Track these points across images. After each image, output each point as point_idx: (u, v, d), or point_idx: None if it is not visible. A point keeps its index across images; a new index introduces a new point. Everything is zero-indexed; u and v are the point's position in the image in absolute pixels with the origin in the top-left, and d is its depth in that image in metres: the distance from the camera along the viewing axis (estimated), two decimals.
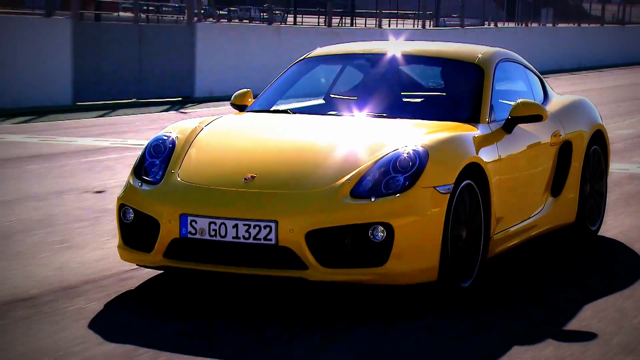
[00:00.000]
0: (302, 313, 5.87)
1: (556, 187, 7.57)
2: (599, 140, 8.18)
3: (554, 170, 7.54)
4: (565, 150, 7.66)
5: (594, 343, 5.44)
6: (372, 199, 5.86)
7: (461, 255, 6.20)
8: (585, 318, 5.89)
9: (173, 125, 6.75)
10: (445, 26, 35.18)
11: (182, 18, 26.22)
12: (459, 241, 6.17)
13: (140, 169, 6.37)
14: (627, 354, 5.28)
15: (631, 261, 7.41)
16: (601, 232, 8.21)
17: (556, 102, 7.96)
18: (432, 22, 32.16)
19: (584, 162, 7.86)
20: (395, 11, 47.93)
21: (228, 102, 7.90)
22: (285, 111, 7.21)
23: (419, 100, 7.24)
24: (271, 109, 7.30)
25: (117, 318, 5.78)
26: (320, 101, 7.65)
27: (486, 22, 35.50)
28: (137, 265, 6.36)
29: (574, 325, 5.77)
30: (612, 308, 6.11)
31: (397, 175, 5.95)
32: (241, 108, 7.46)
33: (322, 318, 5.78)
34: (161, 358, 5.07)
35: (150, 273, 6.58)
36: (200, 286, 6.36)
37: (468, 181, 6.21)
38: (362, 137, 6.39)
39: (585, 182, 7.92)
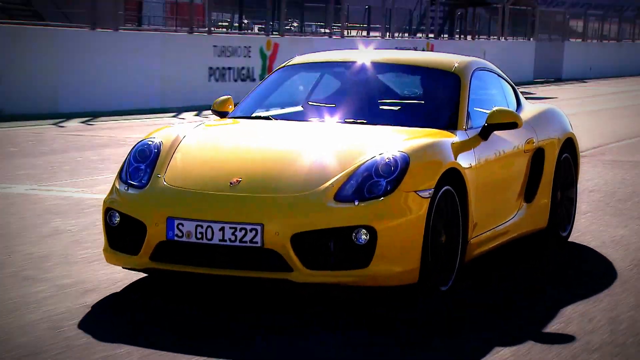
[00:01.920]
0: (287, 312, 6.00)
1: (529, 193, 7.75)
2: (569, 148, 8.38)
3: (527, 176, 7.73)
4: (537, 157, 7.84)
5: (574, 345, 5.61)
6: (356, 203, 6.00)
7: (441, 258, 6.36)
8: (562, 321, 6.07)
9: (156, 131, 6.85)
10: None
11: None
12: (439, 244, 6.33)
13: (125, 174, 6.47)
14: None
15: (601, 265, 7.60)
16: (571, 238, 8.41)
17: (529, 110, 8.15)
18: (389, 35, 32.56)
19: (555, 169, 8.05)
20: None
21: None
22: (267, 117, 7.35)
23: (397, 107, 7.40)
24: (252, 116, 7.43)
25: (106, 319, 5.87)
26: (299, 108, 7.79)
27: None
28: (123, 267, 6.45)
29: (553, 327, 5.95)
30: (590, 310, 6.30)
31: (379, 180, 6.10)
32: (222, 115, 7.58)
33: (306, 316, 5.91)
34: (150, 357, 5.18)
35: (136, 276, 6.67)
36: (184, 288, 6.47)
37: (447, 186, 6.37)
38: (345, 143, 6.54)
39: (557, 188, 8.11)
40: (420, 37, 35.28)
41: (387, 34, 32.54)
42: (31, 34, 18.78)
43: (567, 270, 7.52)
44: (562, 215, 8.25)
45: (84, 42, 19.56)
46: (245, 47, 23.48)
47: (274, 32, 26.61)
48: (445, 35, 37.22)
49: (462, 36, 38.50)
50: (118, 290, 6.43)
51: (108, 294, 6.32)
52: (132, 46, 20.55)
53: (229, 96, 7.64)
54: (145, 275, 6.60)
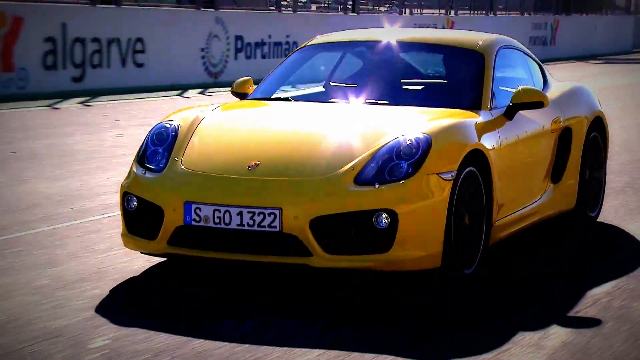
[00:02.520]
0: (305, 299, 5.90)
1: (556, 173, 7.60)
2: (598, 126, 8.20)
3: (554, 156, 7.57)
4: (565, 136, 7.68)
5: (597, 330, 5.48)
6: (376, 186, 5.88)
7: (464, 242, 6.23)
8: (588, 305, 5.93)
9: (174, 114, 6.75)
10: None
11: None
12: (462, 228, 6.20)
13: (143, 157, 6.38)
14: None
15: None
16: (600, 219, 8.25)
17: (556, 88, 7.98)
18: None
19: (584, 149, 7.88)
20: None
21: None
22: (286, 99, 7.22)
23: (420, 87, 7.25)
24: (272, 97, 7.31)
25: (123, 303, 5.80)
26: (320, 89, 7.67)
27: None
28: (140, 252, 6.37)
29: (577, 311, 5.81)
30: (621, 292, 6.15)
31: (400, 162, 5.97)
32: (242, 96, 7.47)
33: (323, 304, 5.81)
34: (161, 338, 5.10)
35: (153, 260, 6.59)
36: (202, 272, 6.38)
37: (471, 168, 6.23)
38: (365, 125, 6.41)
39: (585, 169, 7.95)
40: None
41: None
42: None
43: (595, 251, 7.37)
44: (590, 195, 8.09)
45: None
46: None
47: None
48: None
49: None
50: (137, 274, 6.36)
51: (128, 277, 6.25)
52: None
53: (249, 77, 7.53)
54: (163, 259, 6.51)
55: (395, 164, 5.97)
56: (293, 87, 7.61)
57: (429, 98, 7.03)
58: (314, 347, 5.06)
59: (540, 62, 8.13)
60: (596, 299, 6.01)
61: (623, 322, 5.58)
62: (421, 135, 6.08)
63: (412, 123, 6.31)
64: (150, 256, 6.38)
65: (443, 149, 6.09)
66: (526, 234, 7.38)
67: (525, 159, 7.10)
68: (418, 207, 5.89)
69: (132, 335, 5.20)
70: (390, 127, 6.28)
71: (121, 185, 6.35)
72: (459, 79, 7.27)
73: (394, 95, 7.09)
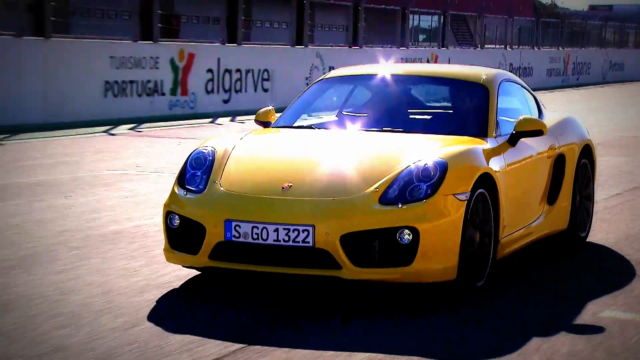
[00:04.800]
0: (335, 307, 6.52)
1: (552, 196, 8.28)
2: (587, 154, 8.91)
3: (550, 180, 8.25)
4: (559, 162, 8.37)
5: (605, 335, 6.14)
6: (399, 205, 6.52)
7: (476, 256, 6.88)
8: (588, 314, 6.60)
9: (208, 140, 7.37)
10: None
11: None
12: (474, 244, 6.85)
13: (183, 180, 6.99)
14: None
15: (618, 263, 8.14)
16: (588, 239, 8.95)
17: (550, 118, 8.67)
18: None
19: (575, 174, 8.57)
20: None
21: None
22: (309, 127, 7.88)
23: (431, 117, 7.93)
24: (294, 125, 7.96)
25: (170, 311, 6.40)
26: (334, 118, 8.32)
27: None
28: (182, 266, 6.97)
29: (583, 319, 6.47)
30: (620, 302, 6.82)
31: (420, 184, 6.62)
32: (265, 124, 8.11)
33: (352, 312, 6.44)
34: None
35: (190, 273, 7.19)
36: (237, 284, 6.99)
37: (481, 190, 6.89)
38: (385, 150, 7.07)
39: (576, 192, 8.64)
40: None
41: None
42: None
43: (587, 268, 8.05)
44: (581, 217, 8.77)
45: None
46: None
47: None
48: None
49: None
50: (177, 287, 6.95)
51: (168, 290, 6.84)
52: None
53: (272, 107, 8.17)
54: (198, 273, 7.12)
55: (415, 186, 6.62)
56: (309, 115, 8.26)
57: (440, 126, 7.71)
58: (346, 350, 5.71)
59: (535, 95, 8.83)
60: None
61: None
62: (439, 160, 6.74)
63: (428, 149, 6.97)
64: (189, 269, 6.98)
65: (458, 172, 6.75)
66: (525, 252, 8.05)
67: (526, 181, 7.79)
68: (437, 224, 6.54)
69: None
70: (408, 152, 6.93)
71: (164, 205, 6.96)
72: (466, 109, 7.95)
73: (408, 124, 7.77)
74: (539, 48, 42.69)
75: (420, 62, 31.64)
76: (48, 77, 18.81)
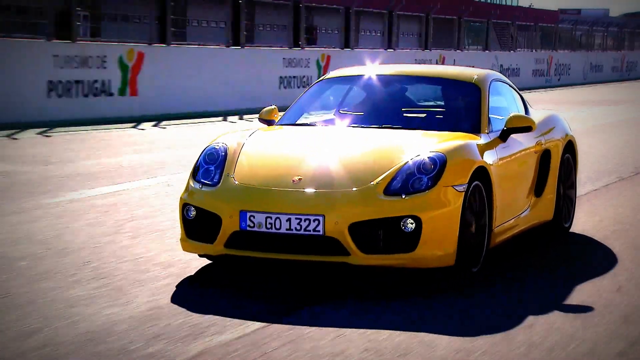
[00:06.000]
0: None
1: (538, 188, 8.80)
2: (570, 149, 9.45)
3: (536, 174, 8.78)
4: (545, 157, 8.89)
5: (595, 313, 6.66)
6: (403, 196, 7.01)
7: (472, 243, 7.38)
8: (582, 293, 7.12)
9: (220, 137, 7.82)
10: None
11: None
12: (470, 232, 7.35)
13: (197, 174, 7.45)
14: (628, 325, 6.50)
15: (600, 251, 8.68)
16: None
17: (535, 116, 9.18)
18: None
19: (559, 168, 9.10)
20: None
21: None
22: (312, 124, 8.37)
23: (426, 115, 8.44)
24: (297, 123, 8.44)
25: (187, 295, 6.86)
26: (331, 116, 8.80)
27: None
28: (198, 255, 7.43)
29: (572, 299, 7.00)
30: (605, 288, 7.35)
31: (421, 176, 7.11)
32: (268, 122, 8.59)
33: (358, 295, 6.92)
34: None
35: (202, 262, 7.64)
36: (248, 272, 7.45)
37: (477, 182, 7.39)
38: (387, 144, 7.57)
39: (560, 185, 9.17)
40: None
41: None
42: None
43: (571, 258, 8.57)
44: (564, 208, 9.30)
45: None
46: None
47: None
48: None
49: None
50: (192, 273, 7.42)
51: (185, 276, 7.30)
52: None
53: (274, 106, 8.65)
54: (210, 262, 7.59)
55: (417, 178, 7.11)
56: (309, 114, 8.74)
57: (437, 123, 8.22)
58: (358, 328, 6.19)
59: (521, 94, 9.36)
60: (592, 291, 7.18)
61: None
62: (438, 154, 7.24)
63: (427, 143, 7.47)
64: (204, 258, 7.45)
65: (456, 165, 7.25)
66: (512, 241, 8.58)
67: (516, 175, 8.31)
68: (438, 214, 7.03)
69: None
70: (409, 147, 7.43)
71: (180, 198, 7.41)
72: (459, 107, 8.47)
73: (407, 121, 8.27)
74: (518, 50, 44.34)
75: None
76: None
